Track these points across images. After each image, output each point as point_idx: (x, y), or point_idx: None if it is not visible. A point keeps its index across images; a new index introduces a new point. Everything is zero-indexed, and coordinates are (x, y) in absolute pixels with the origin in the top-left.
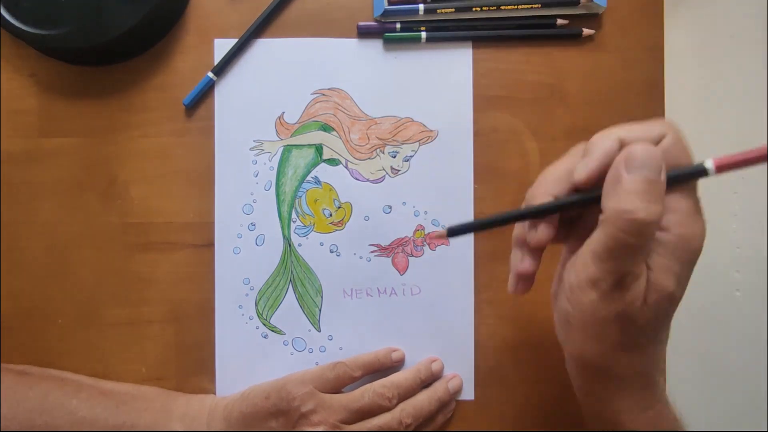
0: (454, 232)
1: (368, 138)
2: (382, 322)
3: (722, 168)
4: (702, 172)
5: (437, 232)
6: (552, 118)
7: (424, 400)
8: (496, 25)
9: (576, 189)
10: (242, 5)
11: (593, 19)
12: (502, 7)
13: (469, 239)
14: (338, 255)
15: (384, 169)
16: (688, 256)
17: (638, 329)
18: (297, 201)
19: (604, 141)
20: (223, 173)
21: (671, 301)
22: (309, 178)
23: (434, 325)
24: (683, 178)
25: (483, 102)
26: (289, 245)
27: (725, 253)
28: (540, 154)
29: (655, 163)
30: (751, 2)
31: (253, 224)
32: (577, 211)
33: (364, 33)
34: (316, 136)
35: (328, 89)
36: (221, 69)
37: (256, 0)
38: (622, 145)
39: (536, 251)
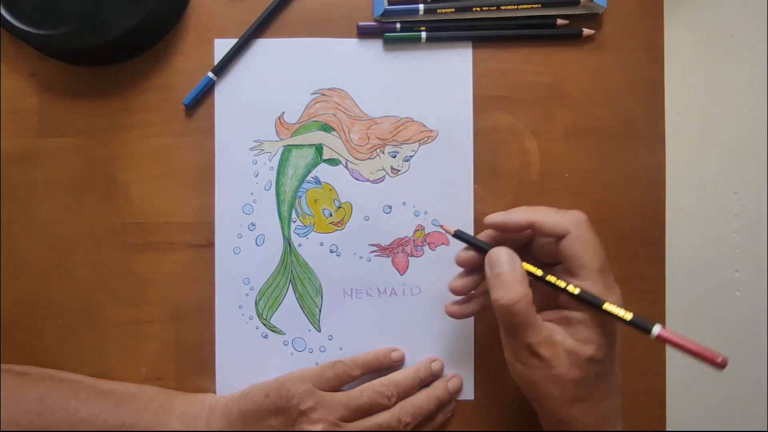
0: (460, 237)
1: (368, 138)
2: (382, 322)
3: (662, 340)
4: (647, 329)
5: (447, 228)
6: (552, 118)
7: (423, 399)
8: (496, 25)
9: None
10: (242, 5)
11: (593, 19)
12: (502, 7)
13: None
14: (338, 255)
15: (384, 169)
16: (609, 328)
17: (574, 386)
18: (297, 201)
19: (524, 213)
20: (223, 173)
21: (593, 362)
22: (309, 178)
23: (434, 325)
24: (634, 326)
25: (483, 102)
26: (289, 245)
27: (725, 253)
28: (540, 154)
29: (504, 261)
30: (751, 2)
31: (253, 224)
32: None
33: (364, 33)
34: (316, 136)
35: (328, 89)
36: (221, 69)
37: (256, 0)
38: (530, 224)
39: (471, 278)
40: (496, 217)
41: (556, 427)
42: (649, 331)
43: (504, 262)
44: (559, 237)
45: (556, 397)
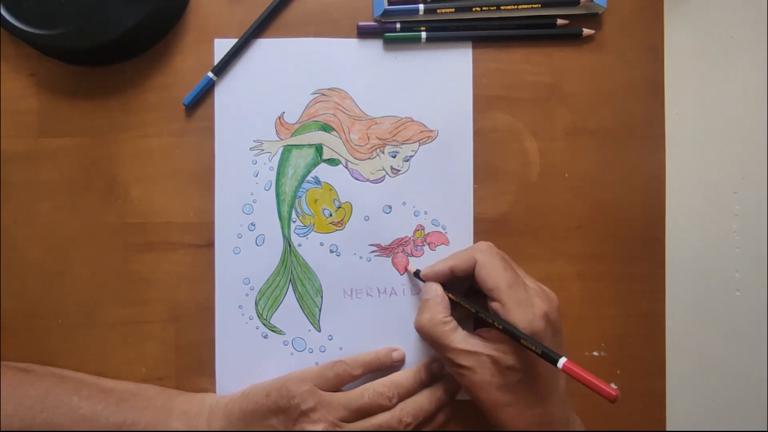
0: (417, 276)
1: (368, 138)
2: (382, 322)
3: (567, 371)
4: (554, 361)
5: (410, 269)
6: (552, 118)
7: (424, 399)
8: (496, 25)
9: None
10: (242, 5)
11: (593, 19)
12: (502, 7)
13: (468, 238)
14: (338, 255)
15: (384, 169)
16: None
17: (498, 391)
18: (297, 201)
19: (443, 262)
20: (223, 173)
21: (513, 370)
22: (309, 178)
23: None
24: (543, 355)
25: (483, 102)
26: (289, 245)
27: (725, 253)
28: (540, 154)
29: (425, 291)
30: (751, 2)
31: (253, 224)
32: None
33: (364, 33)
34: (316, 136)
35: (328, 89)
36: (221, 69)
37: (256, 0)
38: (450, 269)
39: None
40: (426, 272)
41: (497, 427)
42: (555, 362)
43: (425, 292)
44: (473, 270)
45: (484, 401)
